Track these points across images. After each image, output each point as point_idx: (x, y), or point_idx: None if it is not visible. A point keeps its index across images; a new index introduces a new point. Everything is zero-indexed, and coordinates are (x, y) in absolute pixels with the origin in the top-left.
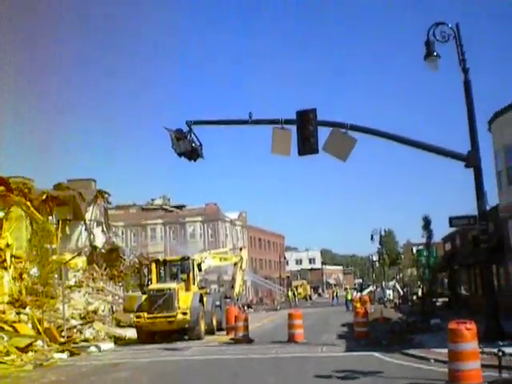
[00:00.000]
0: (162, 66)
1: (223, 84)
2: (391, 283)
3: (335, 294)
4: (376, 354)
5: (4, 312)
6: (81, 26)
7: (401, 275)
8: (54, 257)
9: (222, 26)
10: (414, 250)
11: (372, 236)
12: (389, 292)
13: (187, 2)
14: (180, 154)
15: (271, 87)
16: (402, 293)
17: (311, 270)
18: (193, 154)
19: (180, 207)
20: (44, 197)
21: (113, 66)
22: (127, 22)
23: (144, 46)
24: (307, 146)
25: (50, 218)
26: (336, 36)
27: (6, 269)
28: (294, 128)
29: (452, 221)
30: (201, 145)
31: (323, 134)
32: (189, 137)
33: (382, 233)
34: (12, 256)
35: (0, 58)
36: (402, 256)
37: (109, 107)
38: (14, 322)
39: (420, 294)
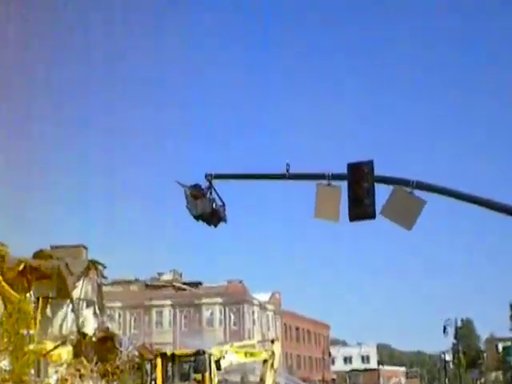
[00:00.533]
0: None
1: (249, 130)
2: None
3: None
4: None
5: None
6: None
7: (483, 380)
8: (32, 346)
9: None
10: (500, 347)
11: (445, 328)
12: None
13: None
14: (197, 217)
15: (310, 136)
16: None
17: (365, 370)
18: (213, 216)
19: (195, 285)
20: (21, 267)
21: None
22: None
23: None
24: (361, 209)
25: (28, 295)
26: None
27: None
28: (344, 185)
29: None
30: (223, 205)
31: (381, 194)
32: (208, 195)
33: (459, 323)
34: None
35: None
36: (485, 354)
37: (107, 158)
38: None
39: None
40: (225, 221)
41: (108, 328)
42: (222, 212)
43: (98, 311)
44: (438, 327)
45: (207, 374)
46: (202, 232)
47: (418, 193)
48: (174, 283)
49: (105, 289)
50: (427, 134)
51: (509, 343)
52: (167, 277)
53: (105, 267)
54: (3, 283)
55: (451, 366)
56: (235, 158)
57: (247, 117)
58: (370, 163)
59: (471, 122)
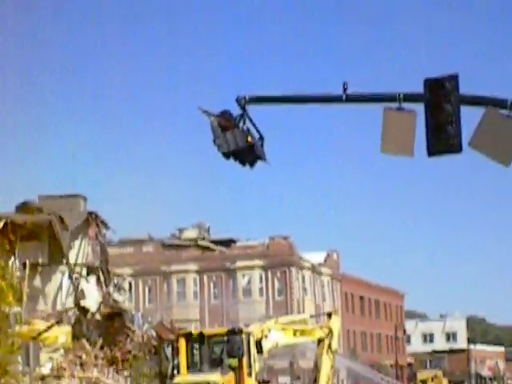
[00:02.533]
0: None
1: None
2: None
3: None
4: None
5: None
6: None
7: None
8: (18, 327)
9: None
10: None
11: None
12: None
13: None
14: (227, 154)
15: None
16: None
17: (450, 351)
18: (248, 153)
19: (227, 243)
20: (1, 225)
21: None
22: None
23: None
24: (443, 138)
25: (11, 260)
26: None
27: None
28: (420, 109)
29: None
30: (261, 138)
31: (468, 120)
32: (242, 124)
33: None
34: None
35: None
36: None
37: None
38: None
39: None
40: (264, 159)
41: (116, 302)
42: (260, 147)
43: (102, 280)
44: None
45: (245, 359)
46: (235, 175)
47: None
48: (200, 242)
49: (111, 251)
50: None
51: None
52: (190, 234)
53: (108, 228)
54: None
55: None
56: (273, 80)
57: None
58: (455, 78)
59: None
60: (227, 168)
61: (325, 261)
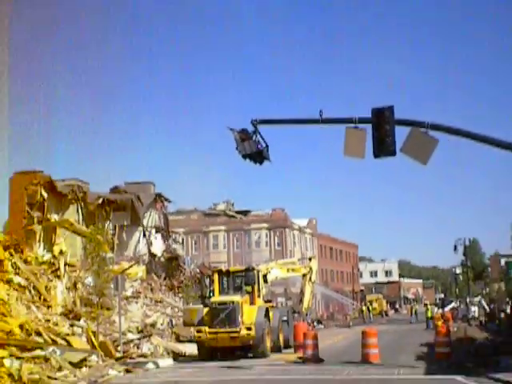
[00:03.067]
0: (225, 65)
1: (290, 82)
2: (476, 299)
3: (414, 310)
4: (459, 378)
5: (57, 324)
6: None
7: (487, 290)
8: (111, 266)
9: (294, 24)
10: (503, 263)
11: (455, 246)
12: (474, 309)
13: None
14: (245, 156)
15: (343, 85)
16: (488, 310)
17: (388, 283)
18: (258, 155)
19: (244, 213)
20: (100, 201)
21: (176, 64)
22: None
23: (208, 41)
24: (384, 147)
25: (107, 223)
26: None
27: (59, 278)
28: (369, 128)
29: None
30: (267, 146)
31: (400, 134)
32: (254, 137)
33: (467, 243)
34: (66, 264)
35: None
36: (489, 269)
37: (171, 107)
38: (68, 334)
39: (509, 311)
40: (268, 159)
41: (173, 250)
42: (266, 152)
43: (164, 236)
44: (450, 245)
45: (256, 286)
46: (251, 169)
47: (431, 133)
48: (227, 212)
49: (170, 218)
50: (443, 82)
51: (510, 259)
52: (221, 207)
53: (170, 201)
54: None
55: (461, 278)
56: (276, 107)
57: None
58: (391, 108)
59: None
60: (246, 165)
61: (307, 224)
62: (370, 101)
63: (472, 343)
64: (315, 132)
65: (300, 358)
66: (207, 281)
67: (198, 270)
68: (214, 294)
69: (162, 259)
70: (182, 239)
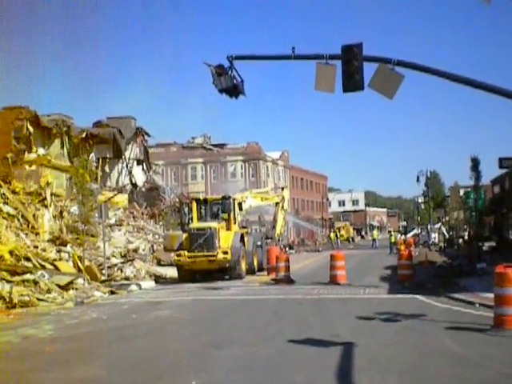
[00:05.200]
0: (202, 2)
1: (265, 18)
2: (437, 226)
3: (376, 236)
4: (420, 297)
5: (45, 250)
6: None
7: (447, 218)
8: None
9: None
10: (462, 193)
11: (418, 177)
12: (434, 235)
13: None
14: (221, 91)
15: (315, 23)
16: (447, 236)
17: (354, 211)
18: (234, 90)
19: (221, 146)
20: (83, 135)
21: (155, 1)
22: None
23: None
24: (352, 82)
25: (91, 156)
26: None
27: (46, 207)
28: (339, 64)
29: (502, 161)
30: (242, 81)
31: (369, 70)
32: (230, 72)
33: (428, 174)
34: (52, 194)
35: None
36: (449, 199)
37: (149, 43)
38: (55, 259)
39: (466, 237)
40: (244, 94)
41: (154, 181)
42: (241, 87)
43: (145, 168)
44: (413, 177)
45: (232, 214)
46: (227, 103)
47: (398, 69)
48: (205, 145)
49: (150, 150)
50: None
51: (469, 189)
52: (199, 140)
53: (150, 136)
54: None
55: (422, 207)
56: (252, 43)
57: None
58: (360, 45)
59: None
60: (222, 100)
61: (280, 157)
62: (344, 40)
63: (432, 266)
64: (289, 68)
65: (273, 279)
66: (186, 209)
67: (177, 199)
68: (192, 221)
69: (143, 189)
70: (162, 170)
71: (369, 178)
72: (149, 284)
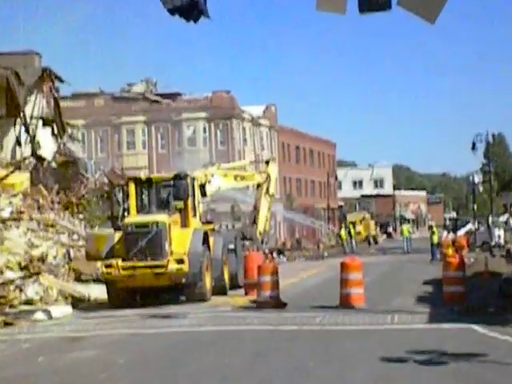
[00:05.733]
0: None
1: None
2: (502, 219)
3: (407, 234)
4: (477, 328)
5: None
6: None
7: None
8: None
9: None
10: None
11: (474, 144)
12: (498, 233)
13: None
14: (172, 10)
15: None
16: None
17: (377, 196)
18: (193, 9)
19: (173, 97)
20: None
21: None
22: None
23: None
24: None
25: None
26: None
27: None
28: None
29: None
30: None
31: None
32: None
33: (490, 139)
34: None
35: None
36: None
37: None
38: None
39: None
40: (207, 15)
41: (70, 151)
42: (203, 4)
43: (56, 131)
44: (465, 146)
45: (190, 201)
46: (181, 31)
47: None
48: (147, 95)
49: (64, 104)
50: None
51: None
52: (139, 88)
53: (62, 81)
54: None
55: (481, 190)
56: None
57: None
58: None
59: None
60: (174, 26)
61: (263, 113)
62: None
63: (495, 279)
64: None
65: (254, 301)
66: (119, 194)
67: (105, 180)
68: (129, 213)
69: (54, 165)
70: (83, 135)
71: (398, 147)
72: (63, 310)
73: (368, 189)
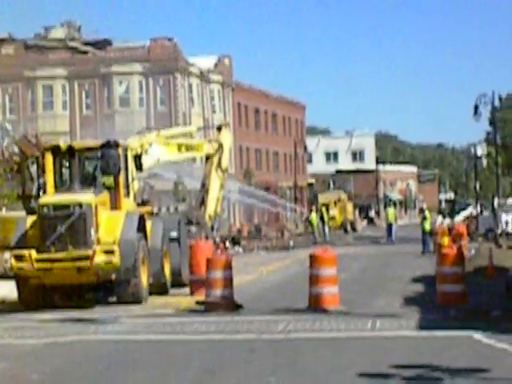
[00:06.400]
0: None
1: None
2: (511, 201)
3: (392, 219)
4: (478, 336)
5: None
6: None
7: None
8: None
9: None
10: None
11: (476, 108)
12: (506, 218)
13: None
14: None
15: None
16: None
17: (356, 172)
18: None
19: (101, 45)
20: None
21: None
22: None
23: None
24: None
25: None
26: None
27: None
28: None
29: None
30: None
31: None
32: None
33: (496, 102)
34: None
35: None
36: None
37: None
38: None
39: None
40: None
41: None
42: None
43: None
44: (466, 110)
45: (121, 177)
46: None
47: None
48: (70, 43)
49: None
50: None
51: None
52: (59, 33)
53: None
54: None
55: (484, 164)
56: None
57: None
58: None
59: None
60: None
61: (215, 66)
62: None
63: (501, 276)
64: None
65: (201, 302)
66: (33, 168)
67: (15, 149)
68: (45, 192)
69: None
70: None
71: (383, 111)
72: None
73: (345, 163)
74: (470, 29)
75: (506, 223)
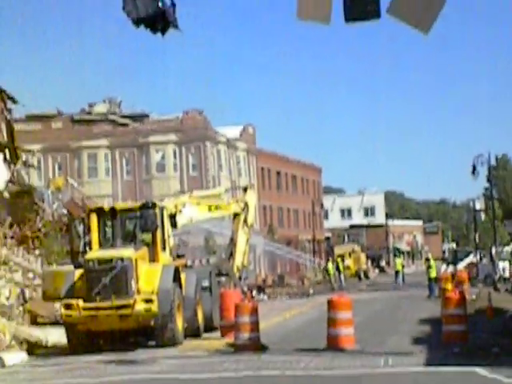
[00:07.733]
0: None
1: None
2: (508, 249)
3: (400, 267)
4: (481, 371)
5: None
6: None
7: None
8: None
9: None
10: None
11: (474, 167)
12: (503, 265)
13: None
14: (138, 21)
15: None
16: None
17: (368, 226)
18: (160, 19)
19: (139, 118)
20: None
21: None
22: None
23: None
24: (361, 5)
25: None
26: None
27: None
28: None
29: None
30: (174, 5)
31: None
32: None
33: (492, 161)
34: None
35: None
36: None
37: None
38: None
39: None
40: (175, 26)
41: (24, 179)
42: (172, 14)
43: (9, 157)
44: (465, 169)
45: (159, 234)
46: (147, 45)
47: None
48: (111, 117)
49: (18, 127)
50: None
51: None
52: (101, 108)
53: (15, 102)
54: None
55: (482, 218)
56: None
57: None
58: None
59: None
60: (140, 38)
61: (240, 135)
62: None
63: (500, 317)
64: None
65: (230, 344)
66: (80, 227)
67: (64, 211)
68: (91, 248)
69: (7, 195)
70: (39, 162)
71: (390, 172)
72: (18, 357)
73: (358, 218)
74: (471, 92)
75: (503, 269)
